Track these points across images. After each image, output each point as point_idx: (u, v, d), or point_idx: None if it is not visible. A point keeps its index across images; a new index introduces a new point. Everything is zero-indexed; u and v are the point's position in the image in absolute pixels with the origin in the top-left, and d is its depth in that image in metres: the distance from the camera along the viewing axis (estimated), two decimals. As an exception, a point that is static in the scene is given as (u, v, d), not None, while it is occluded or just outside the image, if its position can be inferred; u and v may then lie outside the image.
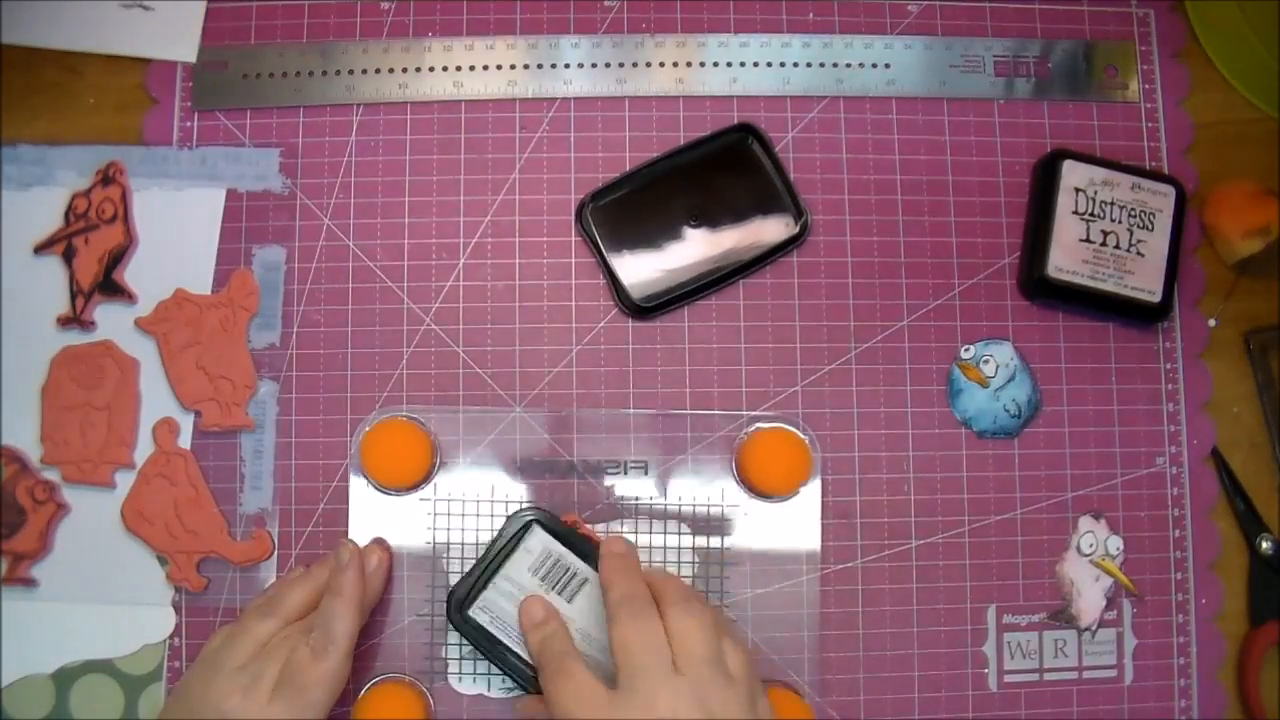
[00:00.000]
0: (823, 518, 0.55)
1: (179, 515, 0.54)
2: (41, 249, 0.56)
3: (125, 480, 0.54)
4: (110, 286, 0.55)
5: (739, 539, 0.55)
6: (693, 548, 0.54)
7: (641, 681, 0.44)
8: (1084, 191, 0.56)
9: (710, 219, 0.56)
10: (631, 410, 0.55)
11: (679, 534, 0.55)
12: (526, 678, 0.50)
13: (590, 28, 0.58)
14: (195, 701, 0.47)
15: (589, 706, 0.44)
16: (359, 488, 0.54)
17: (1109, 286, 0.56)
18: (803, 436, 0.55)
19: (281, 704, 0.46)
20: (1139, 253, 0.56)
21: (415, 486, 0.54)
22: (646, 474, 0.55)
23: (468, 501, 0.54)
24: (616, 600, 0.47)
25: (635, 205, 0.56)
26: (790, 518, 0.55)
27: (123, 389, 0.55)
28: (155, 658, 0.54)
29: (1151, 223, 0.56)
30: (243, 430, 0.55)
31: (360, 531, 0.54)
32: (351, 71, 0.57)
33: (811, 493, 0.55)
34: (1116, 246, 0.56)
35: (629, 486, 0.55)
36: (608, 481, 0.55)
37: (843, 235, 0.57)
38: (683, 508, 0.55)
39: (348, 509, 0.54)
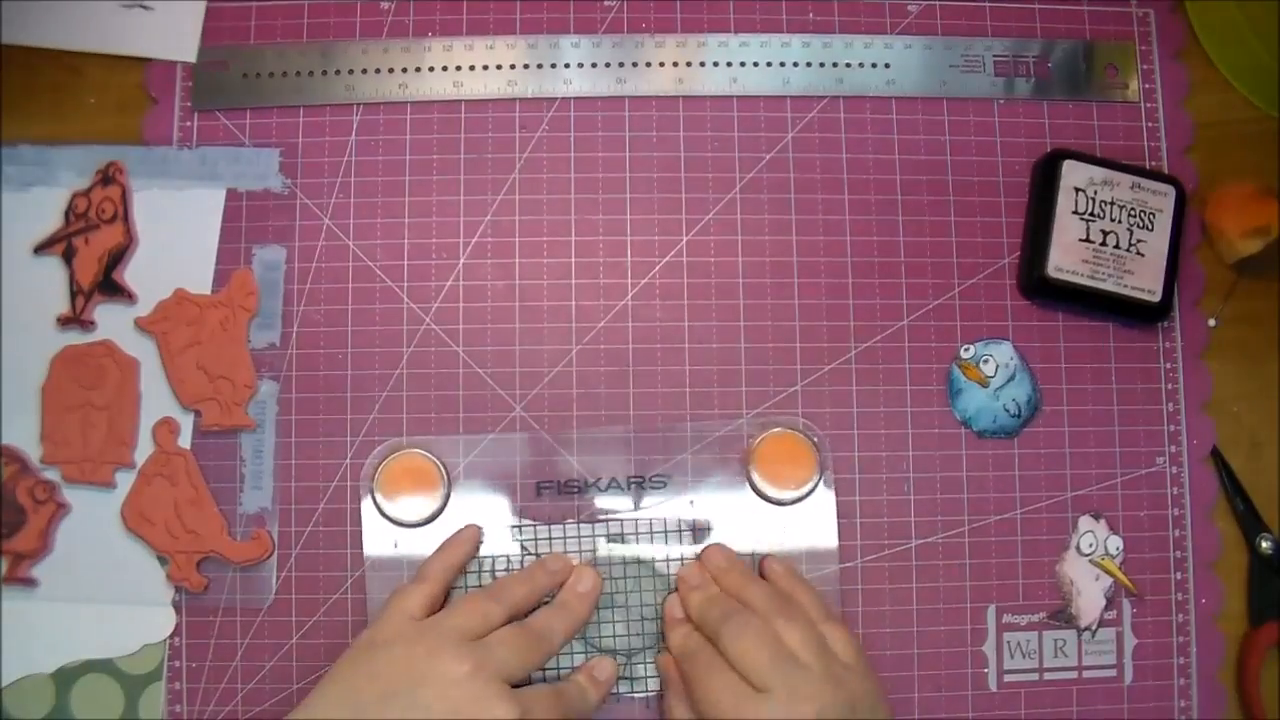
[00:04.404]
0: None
1: (179, 515, 0.54)
2: (41, 249, 0.56)
3: (125, 480, 0.54)
4: (110, 286, 0.55)
5: (745, 541, 0.55)
6: (694, 541, 0.55)
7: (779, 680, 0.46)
8: (1084, 191, 0.56)
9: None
10: (631, 411, 0.56)
11: (680, 541, 0.55)
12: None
13: (590, 28, 0.58)
14: (413, 658, 0.47)
15: (739, 702, 0.46)
16: (372, 517, 0.54)
17: (1109, 286, 0.56)
18: (806, 439, 0.55)
19: (508, 696, 0.46)
20: (1139, 252, 0.56)
21: (429, 520, 0.54)
22: (647, 486, 0.55)
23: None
24: (718, 619, 0.49)
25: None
26: (802, 520, 0.55)
27: (123, 389, 0.55)
28: (155, 658, 0.54)
29: (1151, 222, 0.56)
30: (243, 430, 0.55)
31: (374, 558, 0.54)
32: (351, 71, 0.57)
33: (824, 495, 0.55)
34: (1116, 246, 0.56)
35: (634, 496, 0.55)
36: (613, 496, 0.55)
37: (843, 235, 0.57)
38: (682, 516, 0.55)
39: (348, 530, 0.54)
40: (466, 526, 0.54)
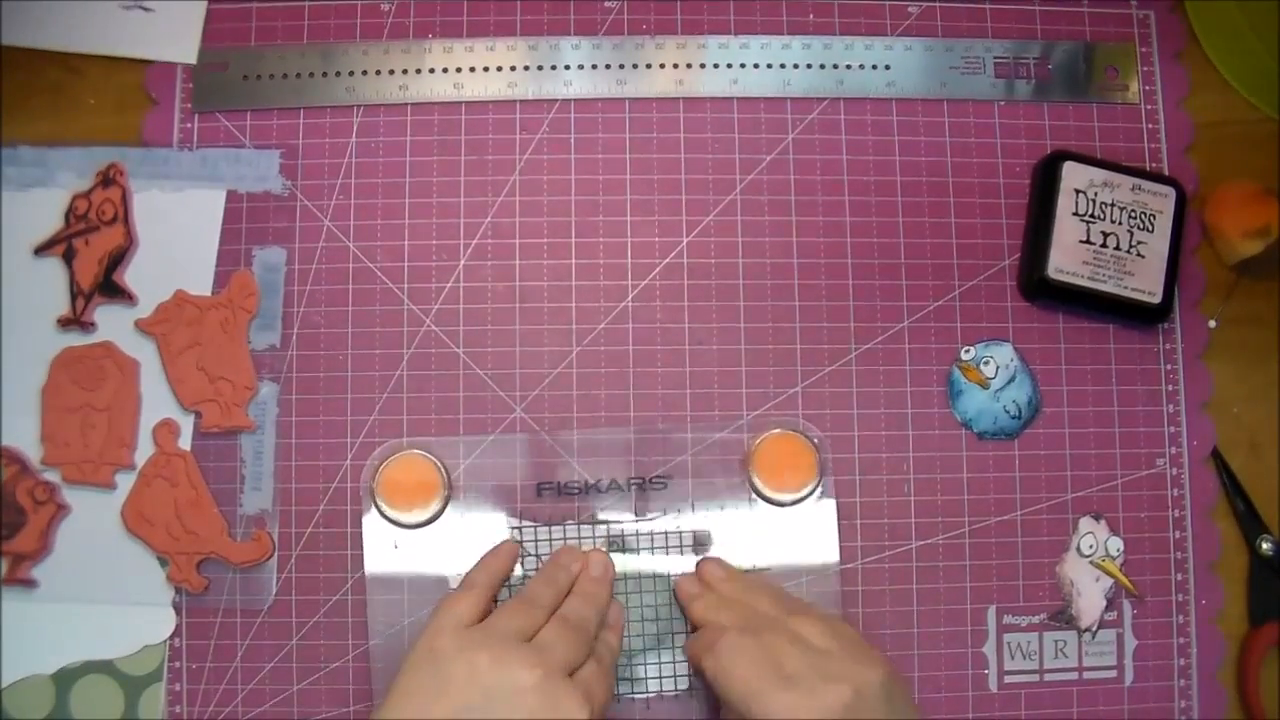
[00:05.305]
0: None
1: (179, 516, 0.54)
2: (41, 250, 0.56)
3: (125, 481, 0.54)
4: (110, 288, 0.55)
5: (745, 542, 0.55)
6: (694, 553, 0.55)
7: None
8: (1084, 193, 0.56)
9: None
10: (631, 413, 0.56)
11: (680, 548, 0.55)
12: None
13: (590, 29, 0.58)
14: (478, 668, 0.46)
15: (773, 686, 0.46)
16: (373, 520, 0.54)
17: (1109, 288, 0.56)
18: (806, 440, 0.55)
19: (577, 694, 0.46)
20: (1139, 254, 0.56)
21: (429, 521, 0.54)
22: (648, 487, 0.55)
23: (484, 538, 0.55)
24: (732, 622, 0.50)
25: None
26: (802, 521, 0.55)
27: (123, 390, 0.55)
28: (155, 658, 0.54)
29: (1152, 224, 0.56)
30: (243, 431, 0.55)
31: (374, 560, 0.54)
32: (352, 73, 0.57)
33: (824, 497, 0.55)
34: (1117, 248, 0.56)
35: (635, 498, 0.55)
36: (613, 497, 0.55)
37: (843, 235, 0.57)
38: (682, 522, 0.55)
39: (348, 531, 0.54)
40: (504, 542, 0.54)
